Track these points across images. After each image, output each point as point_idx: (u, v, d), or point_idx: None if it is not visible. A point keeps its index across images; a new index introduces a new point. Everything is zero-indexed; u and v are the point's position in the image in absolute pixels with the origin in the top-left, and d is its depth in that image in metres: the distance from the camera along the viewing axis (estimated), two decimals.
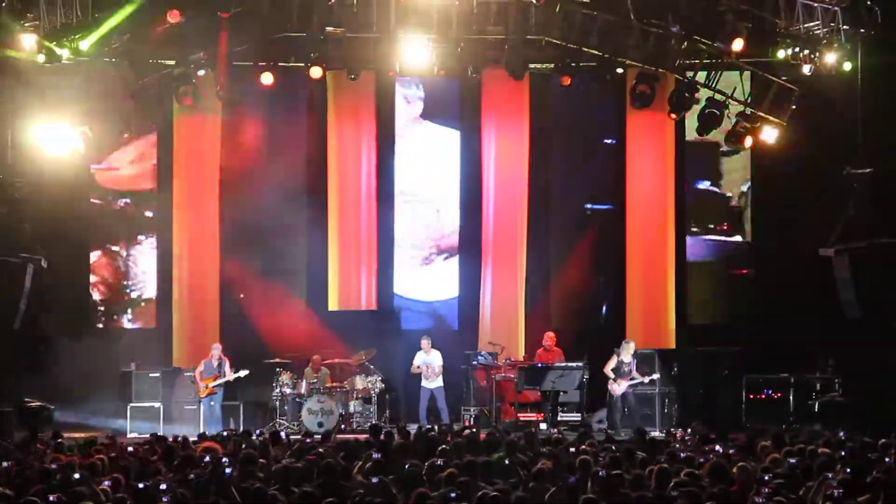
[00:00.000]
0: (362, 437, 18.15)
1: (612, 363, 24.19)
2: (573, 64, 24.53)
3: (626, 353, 24.27)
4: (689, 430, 19.10)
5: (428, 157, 27.03)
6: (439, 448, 15.30)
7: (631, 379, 24.08)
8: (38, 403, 23.16)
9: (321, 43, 23.80)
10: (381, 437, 17.43)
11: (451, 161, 26.98)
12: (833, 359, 24.37)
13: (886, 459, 14.39)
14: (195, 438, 18.20)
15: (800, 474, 13.49)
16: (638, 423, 22.62)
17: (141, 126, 25.14)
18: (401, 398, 25.32)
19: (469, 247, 26.79)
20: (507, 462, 14.33)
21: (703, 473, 13.19)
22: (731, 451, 15.58)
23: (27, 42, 21.40)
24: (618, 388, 24.02)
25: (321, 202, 26.40)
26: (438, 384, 24.63)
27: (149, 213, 26.39)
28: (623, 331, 25.92)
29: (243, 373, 24.11)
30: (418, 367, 24.72)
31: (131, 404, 24.28)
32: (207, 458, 14.51)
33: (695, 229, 26.72)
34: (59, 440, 17.55)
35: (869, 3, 21.92)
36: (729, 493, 12.63)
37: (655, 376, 24.23)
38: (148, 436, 18.67)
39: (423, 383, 24.67)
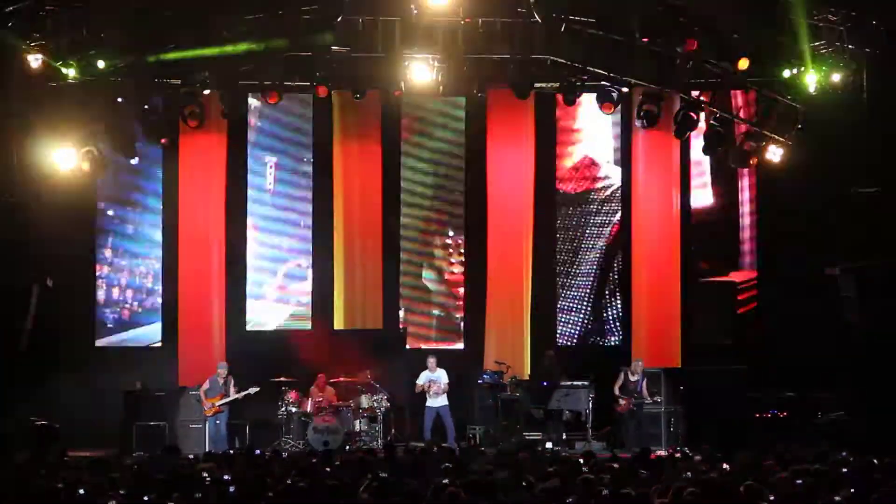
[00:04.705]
0: (367, 455, 18.09)
1: (620, 381, 24.30)
2: (578, 83, 24.53)
3: (634, 371, 24.37)
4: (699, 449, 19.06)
5: (433, 178, 27.02)
6: (443, 466, 15.27)
7: (636, 397, 24.12)
8: (44, 422, 23.15)
9: (327, 62, 23.88)
10: (386, 455, 17.39)
11: (457, 181, 26.99)
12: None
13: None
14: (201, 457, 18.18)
15: (806, 493, 13.45)
16: (644, 441, 22.64)
17: (146, 145, 25.20)
18: (406, 417, 25.24)
19: (474, 264, 26.78)
20: (512, 481, 14.29)
21: (709, 492, 13.15)
22: (737, 470, 15.54)
23: (34, 61, 21.49)
24: (622, 406, 24.09)
25: (326, 221, 26.44)
26: (444, 402, 24.49)
27: (154, 231, 26.39)
28: (629, 350, 25.99)
29: (253, 390, 24.04)
30: (422, 384, 24.61)
31: (136, 423, 24.26)
32: (210, 478, 14.48)
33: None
34: (65, 458, 17.54)
35: (874, 22, 21.93)
36: None
37: (659, 398, 24.24)
38: (150, 454, 18.64)
39: (429, 402, 24.46)
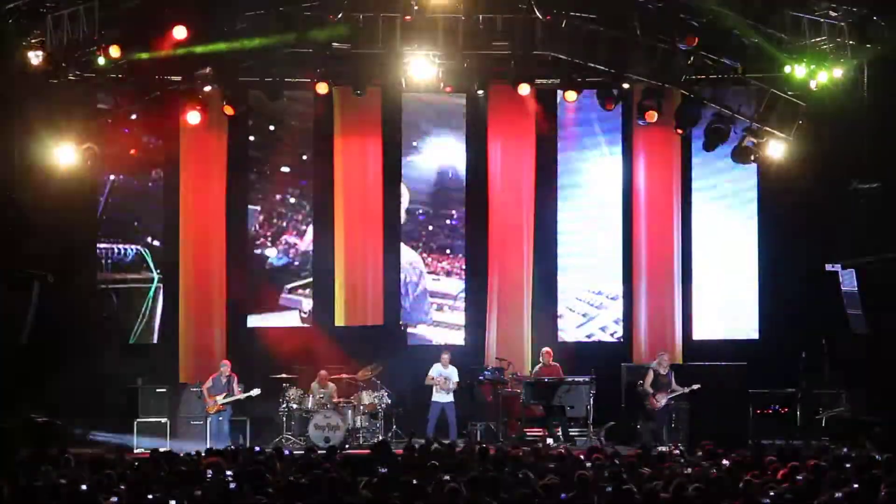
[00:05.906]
0: (368, 452, 18.09)
1: (650, 378, 24.25)
2: (579, 79, 24.51)
3: (662, 365, 24.36)
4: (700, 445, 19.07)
5: (434, 174, 26.97)
6: (445, 463, 15.27)
7: (671, 391, 24.12)
8: (44, 418, 23.14)
9: (327, 58, 23.86)
10: (388, 452, 17.37)
11: (457, 177, 26.96)
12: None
13: None
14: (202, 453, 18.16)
15: (807, 489, 13.47)
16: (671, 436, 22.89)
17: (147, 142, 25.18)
18: (407, 414, 25.20)
19: (475, 261, 26.74)
20: (513, 477, 14.30)
21: (711, 488, 13.17)
22: (737, 466, 15.54)
23: (34, 59, 21.47)
24: (658, 401, 24.06)
25: (328, 217, 26.39)
26: (450, 399, 24.56)
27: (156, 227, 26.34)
28: (630, 346, 26.01)
29: (254, 392, 24.08)
30: (434, 377, 24.62)
31: (137, 419, 24.25)
32: (211, 474, 14.49)
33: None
34: (67, 455, 17.53)
35: (875, 18, 21.90)
36: None
37: (696, 386, 24.17)
38: (152, 451, 18.61)
39: (435, 397, 24.57)
